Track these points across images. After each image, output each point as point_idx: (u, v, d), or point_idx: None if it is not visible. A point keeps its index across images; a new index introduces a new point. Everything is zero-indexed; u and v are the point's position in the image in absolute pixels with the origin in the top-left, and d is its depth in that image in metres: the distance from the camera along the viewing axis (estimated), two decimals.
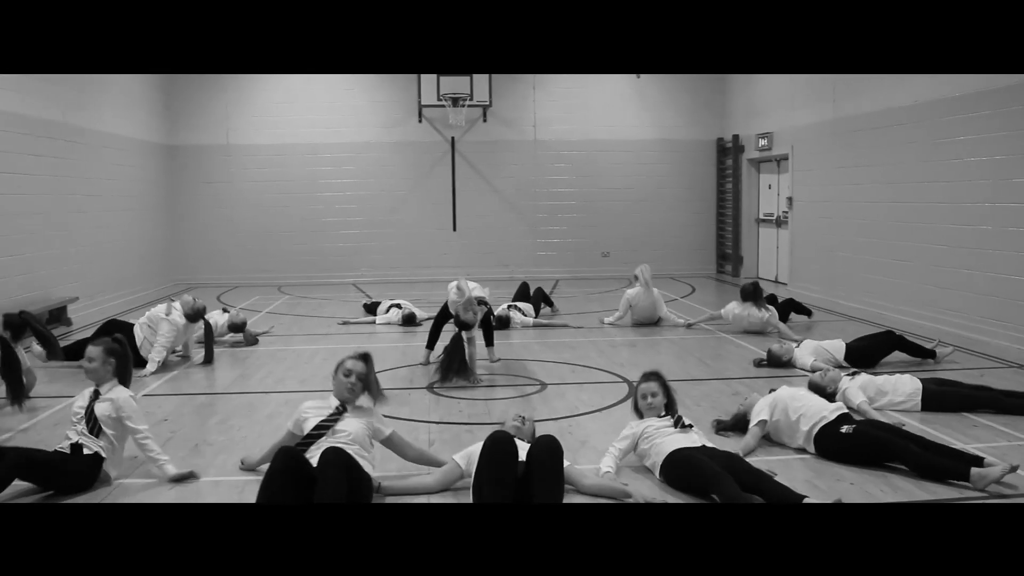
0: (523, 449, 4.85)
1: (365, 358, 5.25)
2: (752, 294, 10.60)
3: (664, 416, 5.56)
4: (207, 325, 9.41)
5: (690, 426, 5.54)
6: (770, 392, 6.29)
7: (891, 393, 6.89)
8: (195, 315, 9.06)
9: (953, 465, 5.17)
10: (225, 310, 10.83)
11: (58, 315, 11.71)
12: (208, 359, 9.11)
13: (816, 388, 6.50)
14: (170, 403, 7.42)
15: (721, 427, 6.35)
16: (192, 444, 6.19)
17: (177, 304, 9.07)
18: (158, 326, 8.80)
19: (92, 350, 5.39)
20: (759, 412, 6.07)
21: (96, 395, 5.33)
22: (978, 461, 5.20)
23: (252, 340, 10.29)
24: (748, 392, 6.96)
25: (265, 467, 4.75)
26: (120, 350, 5.47)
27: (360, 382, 5.19)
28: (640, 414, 5.65)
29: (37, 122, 11.46)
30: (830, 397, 6.34)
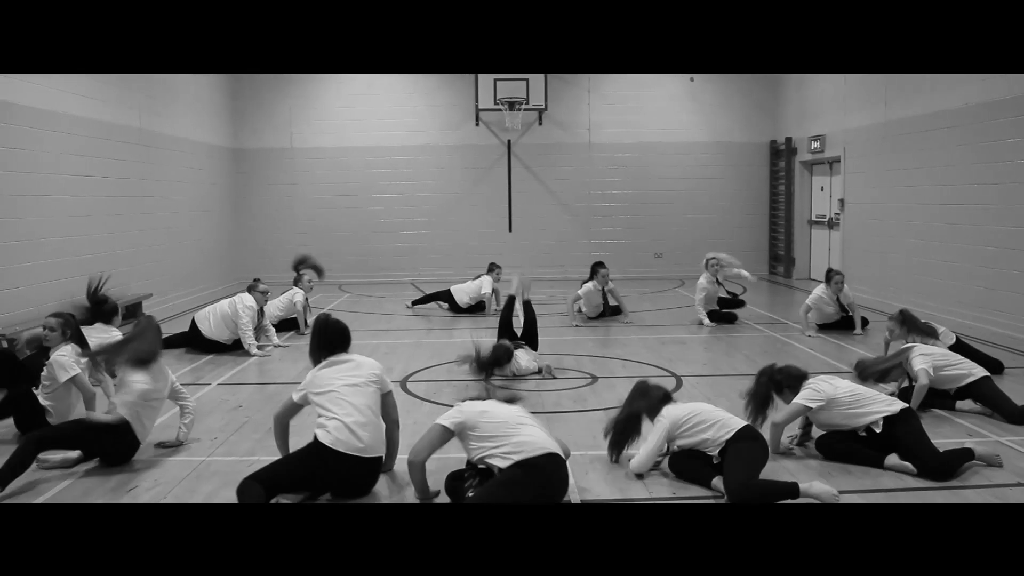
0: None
1: None
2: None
3: None
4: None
5: None
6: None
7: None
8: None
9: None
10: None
11: (133, 311, 12.31)
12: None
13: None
14: (244, 392, 7.92)
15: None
16: (266, 428, 6.62)
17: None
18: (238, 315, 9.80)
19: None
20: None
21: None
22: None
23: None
24: None
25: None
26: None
27: None
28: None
29: (115, 127, 12.09)
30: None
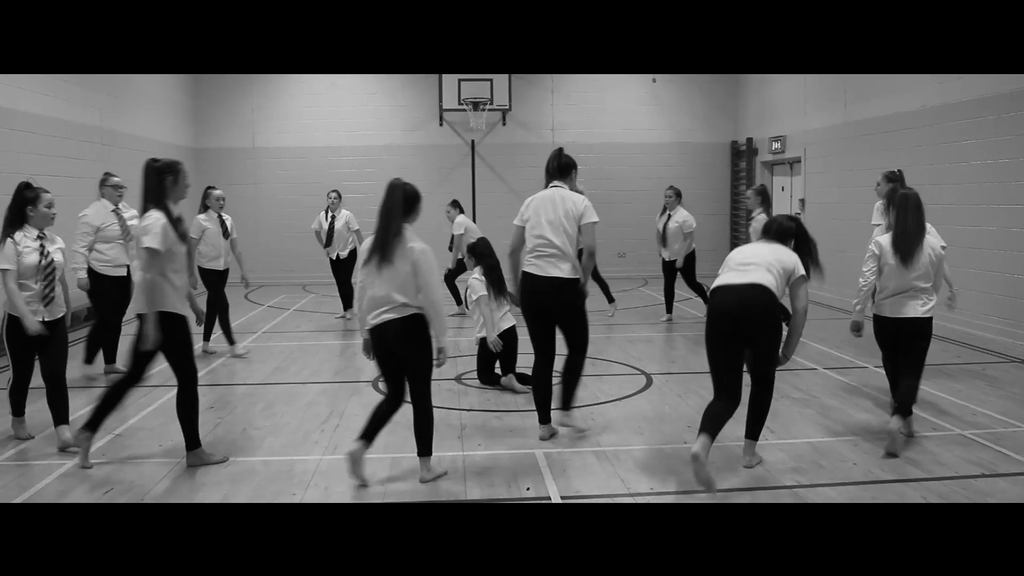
0: None
1: None
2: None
3: None
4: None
5: None
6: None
7: None
8: None
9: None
10: None
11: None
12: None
13: None
14: (215, 393, 7.87)
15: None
16: (240, 428, 6.63)
17: None
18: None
19: None
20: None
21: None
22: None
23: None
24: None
25: None
26: None
27: None
28: None
29: (76, 127, 11.96)
30: None
